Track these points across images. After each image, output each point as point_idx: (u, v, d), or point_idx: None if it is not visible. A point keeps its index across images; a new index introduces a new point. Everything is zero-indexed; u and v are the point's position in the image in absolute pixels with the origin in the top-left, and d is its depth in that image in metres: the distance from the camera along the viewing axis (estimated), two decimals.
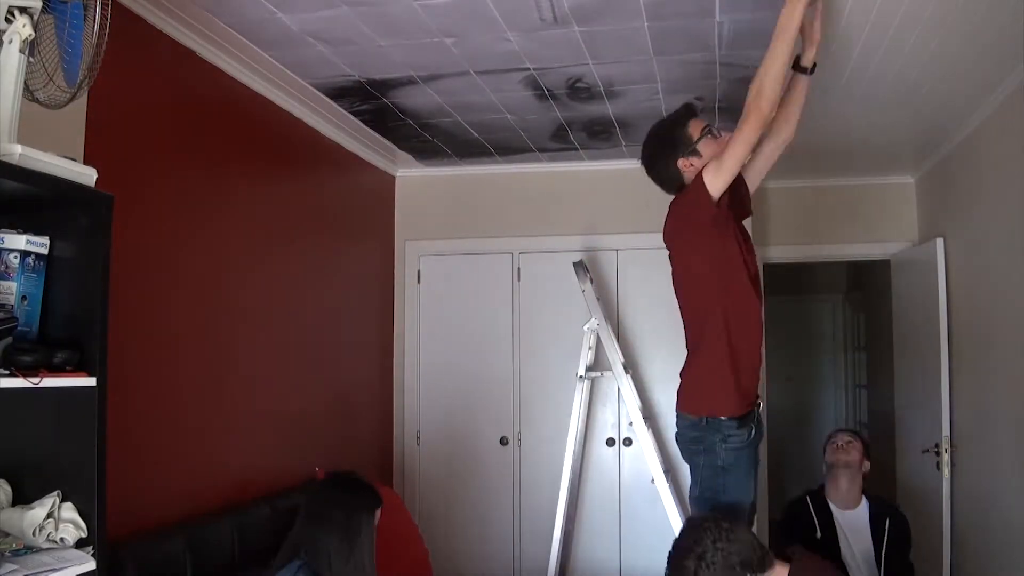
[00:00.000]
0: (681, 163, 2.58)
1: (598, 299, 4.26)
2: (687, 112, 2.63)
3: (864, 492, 3.40)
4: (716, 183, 2.43)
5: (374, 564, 2.43)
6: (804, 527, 3.31)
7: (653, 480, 4.01)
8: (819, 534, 3.28)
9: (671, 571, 2.04)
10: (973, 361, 4.01)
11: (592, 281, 4.26)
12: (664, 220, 2.67)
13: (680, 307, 2.66)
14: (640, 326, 4.72)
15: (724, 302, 2.50)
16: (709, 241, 2.51)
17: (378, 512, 2.53)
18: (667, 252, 2.68)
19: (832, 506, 3.36)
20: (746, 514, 2.46)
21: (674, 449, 2.99)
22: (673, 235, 2.64)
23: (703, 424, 2.50)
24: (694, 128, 2.56)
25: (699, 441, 2.51)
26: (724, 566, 1.96)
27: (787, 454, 7.23)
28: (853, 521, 3.33)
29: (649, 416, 4.19)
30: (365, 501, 2.49)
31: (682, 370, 2.63)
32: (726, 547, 1.98)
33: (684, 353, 2.65)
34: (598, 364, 4.33)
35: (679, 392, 2.61)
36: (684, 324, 2.64)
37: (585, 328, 4.26)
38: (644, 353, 4.69)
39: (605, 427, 4.74)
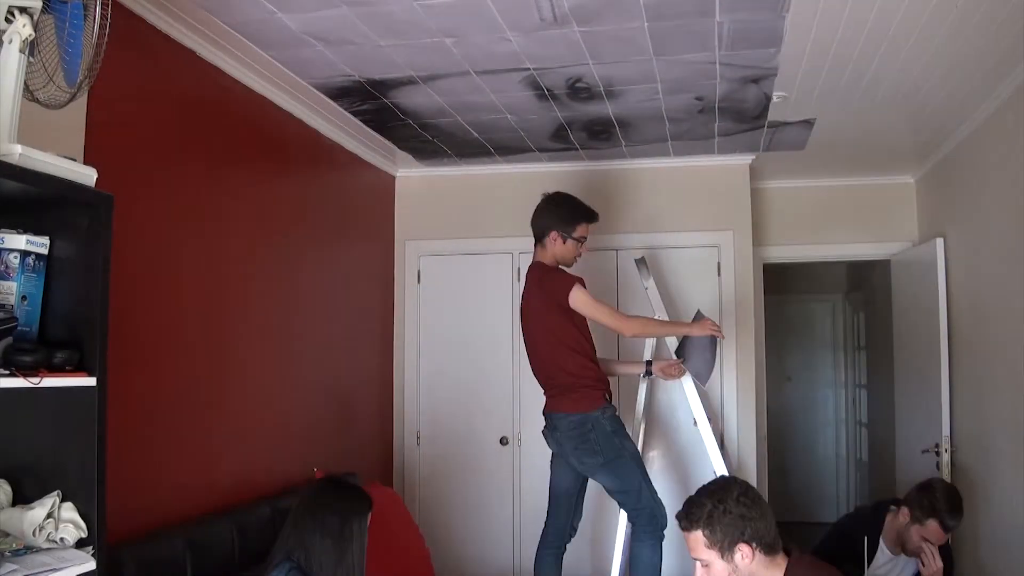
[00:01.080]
0: (553, 234, 3.44)
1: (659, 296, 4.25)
2: (591, 216, 3.50)
3: None
4: (576, 301, 3.33)
5: (364, 568, 2.43)
6: (846, 554, 3.08)
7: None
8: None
9: (686, 506, 2.06)
10: (973, 361, 4.01)
11: (651, 278, 4.25)
12: (527, 285, 3.52)
13: (539, 348, 3.57)
14: None
15: (585, 332, 3.51)
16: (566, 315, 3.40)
17: (369, 516, 2.52)
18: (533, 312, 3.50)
19: (884, 546, 3.14)
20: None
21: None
22: (538, 302, 3.46)
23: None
24: (581, 229, 3.46)
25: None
26: (735, 519, 1.97)
27: (787, 454, 7.24)
28: (901, 563, 3.14)
29: (711, 416, 4.17)
30: (357, 505, 2.48)
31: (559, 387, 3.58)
32: (748, 508, 1.99)
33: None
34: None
35: None
36: (549, 360, 3.56)
37: None
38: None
39: None
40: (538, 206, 3.51)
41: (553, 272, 3.45)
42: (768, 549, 1.99)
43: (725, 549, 1.98)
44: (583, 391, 3.38)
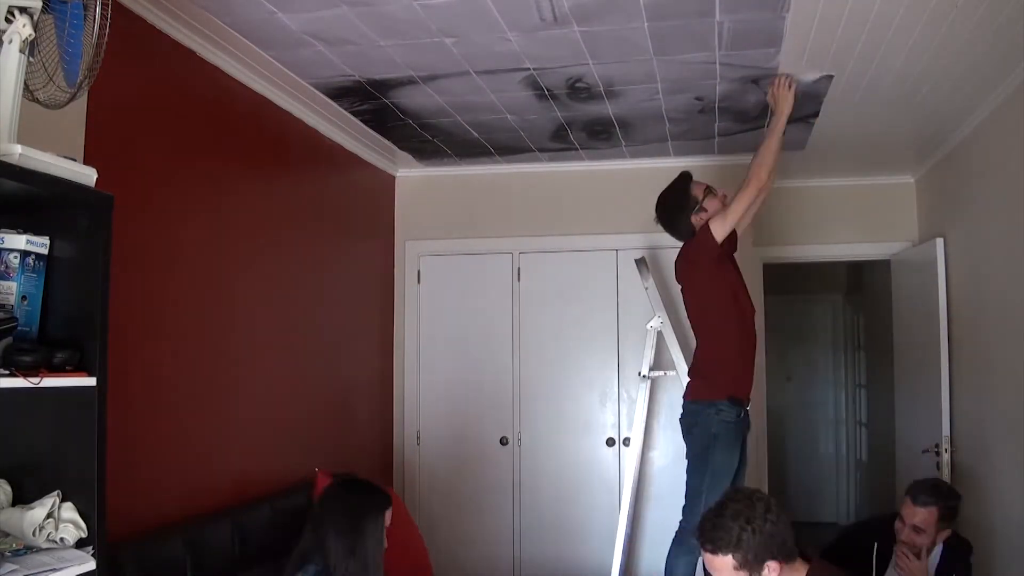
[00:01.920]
0: (694, 219, 3.44)
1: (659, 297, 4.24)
2: (686, 179, 3.51)
3: (945, 540, 2.99)
4: (719, 232, 3.29)
5: (381, 565, 2.44)
6: (855, 563, 3.01)
7: None
8: None
9: (710, 529, 1.95)
10: (973, 361, 4.01)
11: (651, 278, 4.25)
12: (675, 261, 3.57)
13: (694, 328, 3.54)
14: (640, 326, 4.70)
15: (734, 312, 3.40)
16: (717, 273, 3.40)
17: (388, 514, 2.53)
18: (679, 286, 3.57)
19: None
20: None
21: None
22: (687, 273, 3.49)
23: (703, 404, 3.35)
24: (696, 190, 3.45)
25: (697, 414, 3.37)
26: (766, 539, 1.90)
27: (787, 454, 7.24)
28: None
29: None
30: (373, 501, 2.51)
31: (693, 370, 3.54)
32: (775, 524, 1.93)
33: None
34: (659, 363, 4.26)
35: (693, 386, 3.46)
36: (698, 340, 3.51)
37: (648, 326, 4.20)
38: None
39: (605, 427, 4.74)
40: (667, 224, 3.52)
41: (690, 243, 3.48)
42: (789, 557, 1.96)
43: (753, 569, 1.91)
44: None
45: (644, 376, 4.23)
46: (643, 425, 4.25)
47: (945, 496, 2.97)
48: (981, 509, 3.81)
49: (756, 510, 1.93)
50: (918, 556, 2.90)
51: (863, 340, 7.09)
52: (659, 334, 4.15)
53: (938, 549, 2.97)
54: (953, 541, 2.98)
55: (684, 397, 3.48)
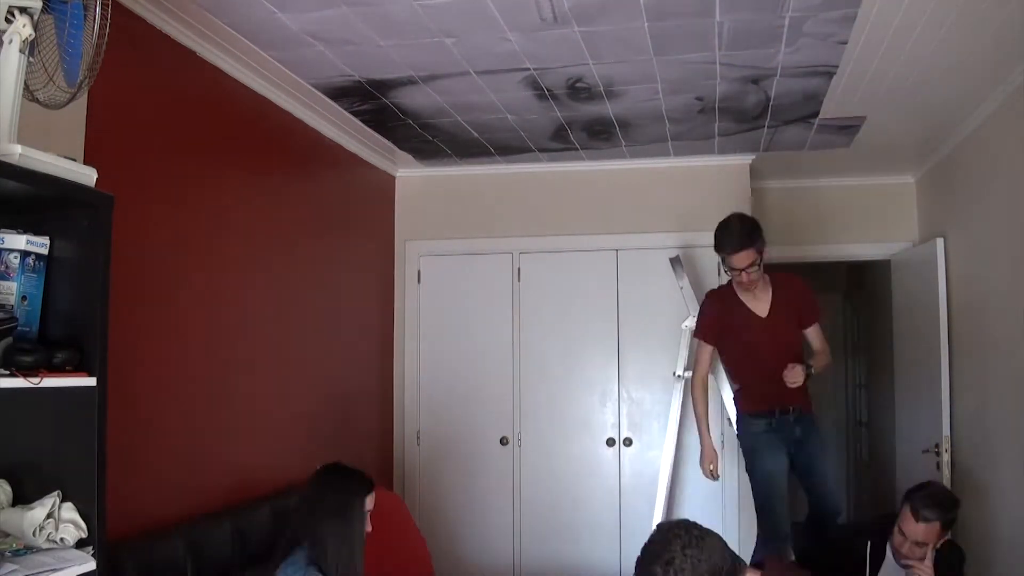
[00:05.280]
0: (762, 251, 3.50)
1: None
2: (719, 246, 3.51)
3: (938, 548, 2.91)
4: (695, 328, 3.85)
5: (363, 550, 2.47)
6: (846, 565, 2.99)
7: None
8: None
9: (638, 572, 1.96)
10: (973, 361, 4.01)
11: (686, 277, 4.25)
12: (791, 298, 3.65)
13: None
14: (640, 326, 4.71)
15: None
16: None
17: (370, 498, 2.56)
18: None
19: (891, 557, 2.95)
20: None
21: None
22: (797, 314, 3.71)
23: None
24: (728, 260, 3.48)
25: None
26: (692, 573, 1.89)
27: None
28: None
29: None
30: (356, 485, 2.55)
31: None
32: (695, 553, 1.92)
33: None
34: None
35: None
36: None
37: (683, 326, 4.21)
38: (645, 352, 4.69)
39: (605, 427, 4.74)
40: (749, 234, 3.47)
41: (704, 300, 3.82)
42: (730, 574, 1.96)
43: None
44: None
45: (678, 376, 4.23)
46: (677, 425, 4.26)
47: (947, 509, 2.88)
48: (981, 509, 3.81)
49: (673, 549, 1.90)
50: (922, 559, 2.85)
51: (863, 340, 7.09)
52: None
53: (930, 554, 2.87)
54: (946, 548, 2.92)
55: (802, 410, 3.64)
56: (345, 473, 2.64)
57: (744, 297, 3.57)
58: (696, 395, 3.71)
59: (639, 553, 2.01)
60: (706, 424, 3.71)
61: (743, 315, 3.58)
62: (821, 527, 3.64)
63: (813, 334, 3.68)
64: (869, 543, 2.98)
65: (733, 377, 3.86)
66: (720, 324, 3.66)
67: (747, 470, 3.68)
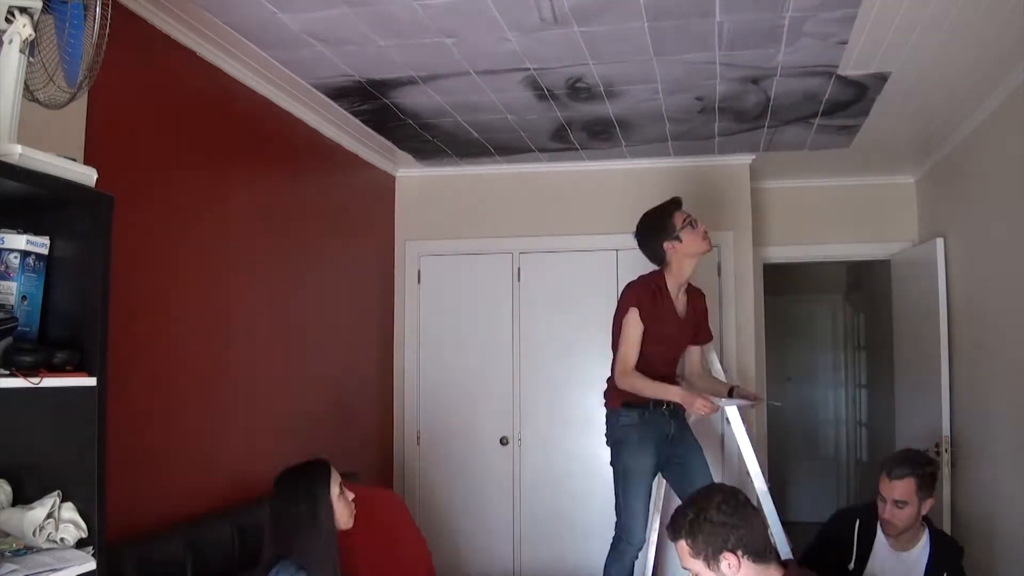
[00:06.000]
0: (666, 245, 3.33)
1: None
2: (674, 204, 3.38)
3: (927, 523, 2.88)
4: (623, 320, 3.34)
5: (335, 536, 2.42)
6: (837, 552, 2.91)
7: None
8: (851, 566, 2.88)
9: (672, 516, 2.07)
10: (973, 361, 4.01)
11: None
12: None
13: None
14: None
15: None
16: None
17: (332, 477, 2.50)
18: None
19: (883, 539, 2.87)
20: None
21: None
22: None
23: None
24: (678, 218, 3.33)
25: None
26: (716, 528, 1.97)
27: (787, 454, 7.24)
28: (905, 565, 2.84)
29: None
30: (314, 475, 2.49)
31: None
32: (729, 517, 1.99)
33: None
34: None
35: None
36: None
37: None
38: None
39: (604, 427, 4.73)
40: (640, 243, 3.44)
41: (627, 288, 3.46)
42: (757, 557, 1.99)
43: (711, 558, 1.98)
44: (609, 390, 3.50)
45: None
46: None
47: (920, 464, 2.85)
48: (981, 508, 3.81)
49: (711, 500, 2.01)
50: (907, 524, 2.80)
51: (863, 340, 7.09)
52: None
53: (924, 541, 2.84)
54: (941, 540, 2.90)
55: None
56: (302, 468, 2.54)
57: (673, 291, 3.40)
58: (634, 381, 3.29)
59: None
60: (662, 386, 3.29)
61: (669, 308, 3.39)
62: None
63: (704, 355, 3.63)
64: (858, 521, 2.93)
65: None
66: (650, 310, 3.36)
67: (611, 463, 3.43)
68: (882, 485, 2.85)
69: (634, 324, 3.30)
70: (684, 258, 3.34)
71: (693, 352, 3.59)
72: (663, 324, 3.36)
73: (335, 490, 2.48)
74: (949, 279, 4.30)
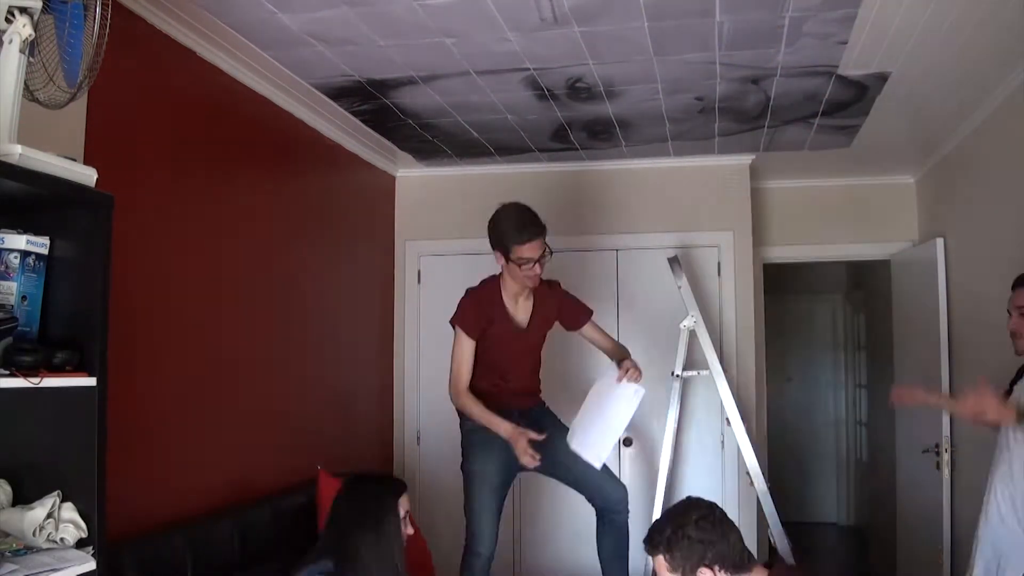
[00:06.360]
0: (496, 254, 3.26)
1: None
2: (524, 234, 3.16)
3: None
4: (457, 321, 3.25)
5: (403, 556, 2.43)
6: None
7: (752, 482, 4.04)
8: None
9: (649, 530, 2.10)
10: (973, 361, 4.01)
11: (684, 277, 4.20)
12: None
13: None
14: (639, 326, 4.71)
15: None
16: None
17: (403, 499, 2.52)
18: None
19: None
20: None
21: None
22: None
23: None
24: (517, 251, 3.15)
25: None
26: (694, 544, 2.00)
27: (787, 454, 7.24)
28: None
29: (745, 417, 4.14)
30: (388, 487, 2.51)
31: None
32: (707, 533, 2.01)
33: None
34: (692, 363, 4.25)
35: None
36: None
37: (681, 326, 4.15)
38: (644, 352, 4.68)
39: None
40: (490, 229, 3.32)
41: (465, 297, 3.32)
42: (735, 569, 2.02)
43: (687, 572, 2.01)
44: None
45: (676, 375, 4.22)
46: (675, 425, 4.25)
47: None
48: (981, 509, 3.80)
49: (689, 516, 2.04)
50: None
51: (863, 340, 7.09)
52: (692, 333, 4.13)
53: None
54: None
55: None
56: (374, 480, 2.60)
57: (509, 303, 3.26)
58: (465, 403, 3.18)
59: (660, 515, 2.10)
60: (489, 416, 3.15)
61: (504, 324, 3.25)
62: (615, 530, 3.45)
63: (593, 332, 3.40)
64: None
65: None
66: (480, 326, 3.23)
67: (461, 468, 3.32)
68: (1016, 296, 2.85)
69: (461, 343, 3.20)
70: (507, 275, 3.24)
71: (587, 333, 3.42)
72: (498, 335, 3.23)
73: (405, 505, 2.50)
74: (949, 279, 4.30)
